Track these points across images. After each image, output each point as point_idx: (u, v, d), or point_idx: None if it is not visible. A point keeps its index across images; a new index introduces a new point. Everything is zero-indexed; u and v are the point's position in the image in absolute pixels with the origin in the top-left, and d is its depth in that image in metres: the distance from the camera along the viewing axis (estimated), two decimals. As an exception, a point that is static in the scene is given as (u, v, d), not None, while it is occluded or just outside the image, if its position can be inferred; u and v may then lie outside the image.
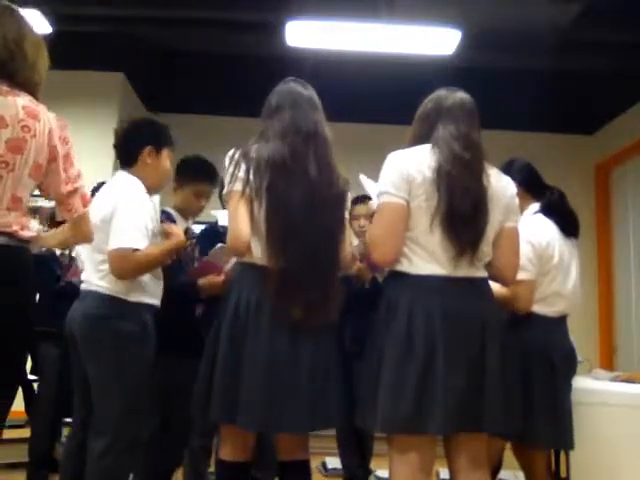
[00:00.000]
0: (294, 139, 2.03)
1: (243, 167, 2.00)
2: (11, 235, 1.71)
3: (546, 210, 2.49)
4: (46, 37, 1.90)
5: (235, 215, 1.99)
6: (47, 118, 1.80)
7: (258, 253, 2.00)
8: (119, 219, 2.23)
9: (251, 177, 1.99)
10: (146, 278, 2.29)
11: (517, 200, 2.09)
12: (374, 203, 2.17)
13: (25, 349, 2.06)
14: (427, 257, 1.92)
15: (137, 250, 2.20)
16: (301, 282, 1.96)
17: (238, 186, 2.00)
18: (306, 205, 1.98)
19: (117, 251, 2.19)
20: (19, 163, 1.74)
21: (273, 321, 1.95)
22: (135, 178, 2.37)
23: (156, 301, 2.36)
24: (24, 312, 1.75)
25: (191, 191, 2.85)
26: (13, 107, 1.73)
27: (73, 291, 2.49)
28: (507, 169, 2.57)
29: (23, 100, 1.77)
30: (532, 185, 2.56)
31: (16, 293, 1.71)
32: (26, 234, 1.76)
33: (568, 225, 2.51)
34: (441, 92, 2.09)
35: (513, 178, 2.53)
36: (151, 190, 2.41)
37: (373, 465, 3.68)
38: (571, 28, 4.60)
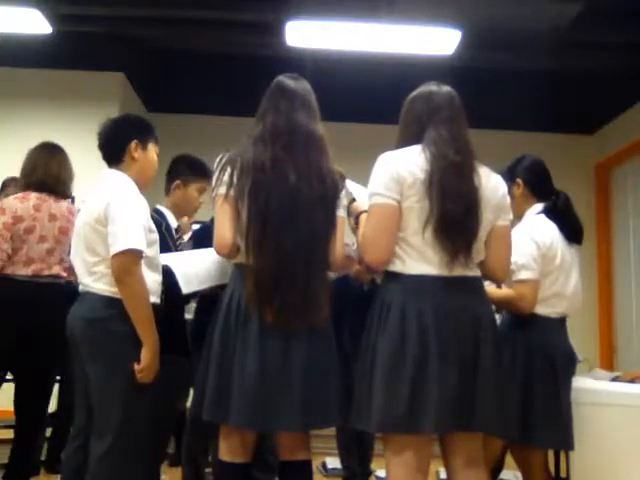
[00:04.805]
0: (275, 143, 2.04)
1: (228, 170, 2.04)
2: (58, 277, 3.08)
3: (550, 213, 2.48)
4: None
5: (219, 219, 2.04)
6: (75, 212, 3.15)
7: (243, 254, 2.02)
8: (120, 219, 2.19)
9: (235, 180, 2.02)
10: (145, 275, 2.26)
11: (508, 199, 2.08)
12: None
13: None
14: (419, 257, 1.92)
15: (142, 252, 2.19)
16: (277, 283, 1.97)
17: (222, 190, 2.04)
18: (285, 208, 1.99)
19: (128, 252, 2.15)
20: (65, 240, 3.05)
21: (262, 321, 1.97)
22: (125, 175, 2.35)
23: (156, 298, 2.33)
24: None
25: (196, 188, 2.88)
26: (61, 210, 3.12)
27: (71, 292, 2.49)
28: (515, 166, 2.57)
29: (66, 204, 3.19)
30: (537, 185, 2.53)
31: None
32: (63, 275, 3.10)
33: (572, 231, 2.49)
34: (430, 88, 2.07)
35: (519, 176, 2.54)
36: (141, 186, 2.38)
37: (374, 465, 3.68)
38: (571, 28, 4.60)
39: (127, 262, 2.16)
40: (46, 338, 3.02)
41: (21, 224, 3.04)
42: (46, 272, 3.06)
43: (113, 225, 2.19)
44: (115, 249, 2.17)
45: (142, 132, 2.44)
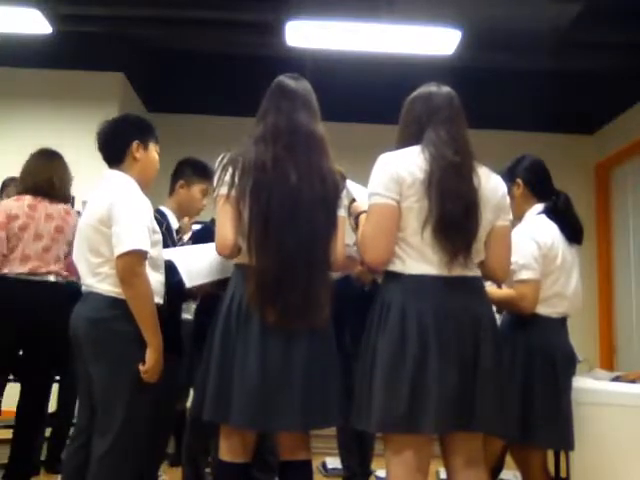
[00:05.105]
0: (276, 143, 2.04)
1: (230, 171, 2.04)
2: (57, 274, 3.15)
3: (551, 214, 2.47)
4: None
5: (220, 219, 2.04)
6: (72, 213, 3.29)
7: (245, 254, 2.02)
8: (123, 220, 2.19)
9: (236, 180, 2.02)
10: (149, 275, 2.25)
11: (508, 199, 2.08)
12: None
13: None
14: (419, 257, 1.92)
15: (147, 253, 2.19)
16: (278, 283, 1.97)
17: (223, 190, 2.04)
18: (286, 209, 1.99)
19: (132, 253, 2.15)
20: (61, 238, 3.17)
21: (263, 321, 1.97)
22: (127, 175, 2.34)
23: (159, 299, 2.32)
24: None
25: (199, 189, 2.92)
26: (57, 210, 3.20)
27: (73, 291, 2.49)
28: (515, 166, 2.57)
29: (63, 206, 3.25)
30: (537, 185, 2.53)
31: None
32: (63, 273, 3.18)
33: (572, 231, 2.49)
34: (430, 89, 2.07)
35: (519, 176, 2.54)
36: (143, 186, 2.37)
37: (374, 465, 3.68)
38: (571, 28, 4.60)
39: (132, 263, 2.16)
40: (46, 338, 3.03)
41: (15, 222, 3.08)
42: (43, 270, 3.09)
43: (117, 226, 2.19)
44: (119, 250, 2.16)
45: (143, 132, 2.43)
